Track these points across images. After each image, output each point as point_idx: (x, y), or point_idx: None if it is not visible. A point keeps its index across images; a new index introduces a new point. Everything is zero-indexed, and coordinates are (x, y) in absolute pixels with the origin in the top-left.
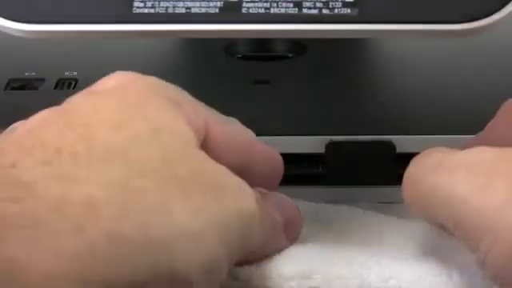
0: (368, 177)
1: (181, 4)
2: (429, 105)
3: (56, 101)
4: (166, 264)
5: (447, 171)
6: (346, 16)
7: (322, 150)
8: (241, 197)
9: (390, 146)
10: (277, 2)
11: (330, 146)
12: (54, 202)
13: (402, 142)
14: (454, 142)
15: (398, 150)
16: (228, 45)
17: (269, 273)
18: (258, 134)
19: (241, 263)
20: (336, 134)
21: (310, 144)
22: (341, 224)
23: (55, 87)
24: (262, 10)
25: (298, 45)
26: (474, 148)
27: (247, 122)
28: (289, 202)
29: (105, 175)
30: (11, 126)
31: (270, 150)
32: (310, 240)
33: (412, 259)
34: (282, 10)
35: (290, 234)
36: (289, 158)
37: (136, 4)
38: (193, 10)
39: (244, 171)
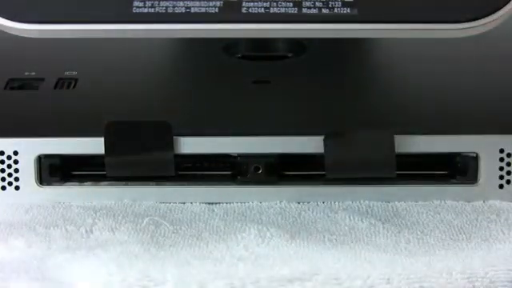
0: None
1: (180, 4)
2: (428, 104)
3: (56, 100)
4: None
5: None
6: (346, 15)
7: (321, 150)
8: None
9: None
10: (276, 2)
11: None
12: None
13: (402, 141)
14: (453, 142)
15: (398, 149)
16: (228, 45)
17: (269, 275)
18: (257, 134)
19: None
20: None
21: (310, 144)
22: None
23: (55, 87)
24: (262, 10)
25: (298, 45)
26: None
27: (247, 121)
28: None
29: None
30: None
31: None
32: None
33: (413, 258)
34: (282, 10)
35: None
36: (289, 158)
37: (136, 4)
38: (192, 10)
39: None
